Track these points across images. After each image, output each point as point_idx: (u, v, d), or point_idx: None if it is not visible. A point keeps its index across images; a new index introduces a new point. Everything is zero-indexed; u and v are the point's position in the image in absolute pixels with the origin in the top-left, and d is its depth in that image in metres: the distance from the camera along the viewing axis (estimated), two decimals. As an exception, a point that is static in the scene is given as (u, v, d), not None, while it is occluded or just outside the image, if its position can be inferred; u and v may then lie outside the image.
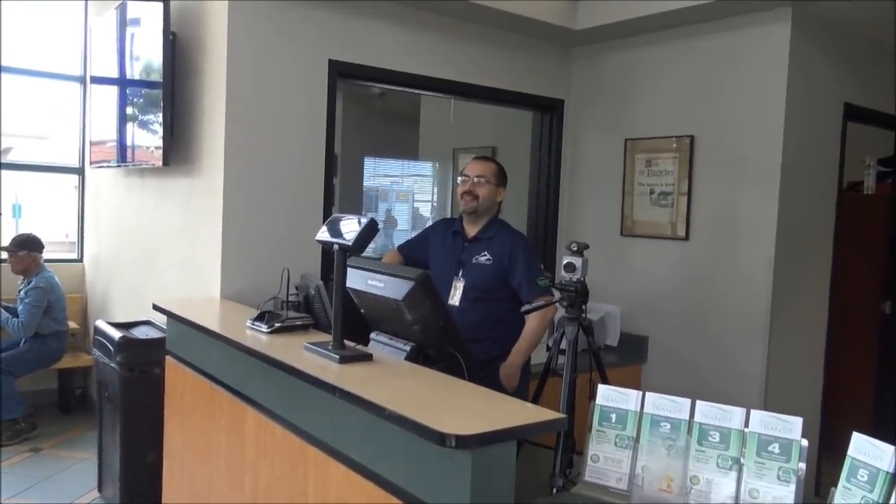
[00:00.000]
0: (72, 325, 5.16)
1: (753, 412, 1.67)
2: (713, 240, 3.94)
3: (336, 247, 2.14)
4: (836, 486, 1.47)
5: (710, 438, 1.70)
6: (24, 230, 5.36)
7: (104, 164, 4.60)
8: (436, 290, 2.21)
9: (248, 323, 2.62)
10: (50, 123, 5.65)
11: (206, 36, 3.56)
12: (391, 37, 3.86)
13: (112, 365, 3.51)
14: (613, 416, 1.82)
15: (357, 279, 2.30)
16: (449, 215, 6.33)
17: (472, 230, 3.02)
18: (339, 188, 3.91)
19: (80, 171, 5.53)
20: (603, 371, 2.24)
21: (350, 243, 2.09)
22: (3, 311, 4.74)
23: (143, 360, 3.46)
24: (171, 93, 3.64)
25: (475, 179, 2.97)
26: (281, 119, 3.52)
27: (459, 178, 3.04)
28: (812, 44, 3.77)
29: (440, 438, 1.52)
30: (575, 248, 2.24)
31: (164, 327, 3.44)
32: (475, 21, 4.13)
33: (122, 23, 4.15)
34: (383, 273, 2.24)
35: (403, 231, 8.17)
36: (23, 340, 4.77)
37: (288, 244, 3.53)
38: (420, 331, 2.19)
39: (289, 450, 2.22)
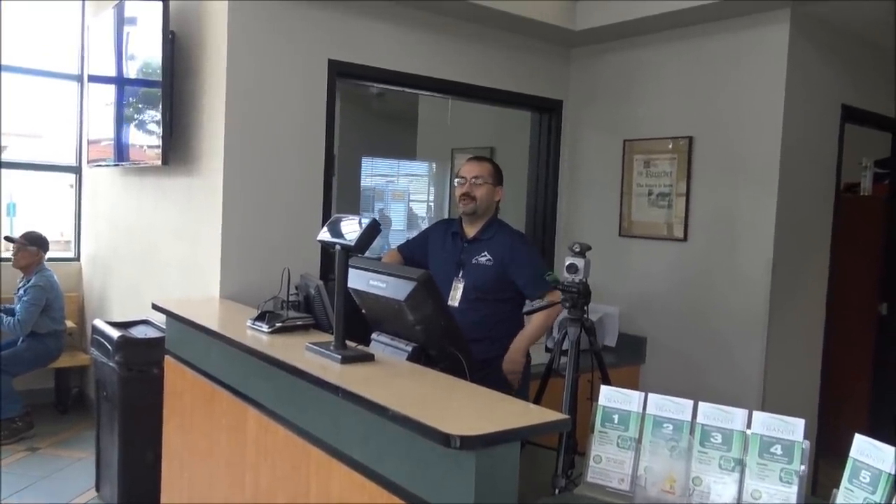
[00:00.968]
0: (69, 324, 5.15)
1: (755, 414, 1.68)
2: (711, 240, 3.95)
3: (338, 247, 2.14)
4: (837, 487, 1.48)
5: (712, 440, 1.71)
6: (18, 229, 5.35)
7: (102, 163, 4.60)
8: (438, 291, 2.21)
9: (249, 323, 2.62)
10: (44, 122, 5.63)
11: (206, 35, 3.55)
12: (390, 37, 3.87)
13: (110, 364, 3.50)
14: (616, 417, 1.83)
15: (358, 279, 2.30)
16: (446, 215, 6.33)
17: (471, 231, 3.03)
18: (337, 188, 3.89)
19: (77, 170, 5.52)
20: (605, 372, 2.25)
21: (352, 243, 2.09)
22: None
23: (141, 359, 3.46)
24: (171, 92, 3.64)
25: (472, 181, 2.97)
26: (280, 119, 3.52)
27: (456, 181, 3.04)
28: (810, 45, 3.78)
29: (445, 439, 1.52)
30: (577, 250, 2.25)
31: (163, 327, 3.44)
32: (474, 21, 4.13)
33: (121, 21, 4.15)
34: (385, 273, 2.24)
35: (399, 231, 8.17)
36: (20, 339, 4.76)
37: (287, 244, 3.53)
38: (422, 331, 2.19)
39: (290, 450, 2.22)
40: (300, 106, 3.58)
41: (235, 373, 2.59)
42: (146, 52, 3.81)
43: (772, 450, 1.64)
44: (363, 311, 2.43)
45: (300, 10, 3.54)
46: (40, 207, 5.85)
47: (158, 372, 3.29)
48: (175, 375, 3.08)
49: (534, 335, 2.82)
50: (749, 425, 1.68)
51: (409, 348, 2.25)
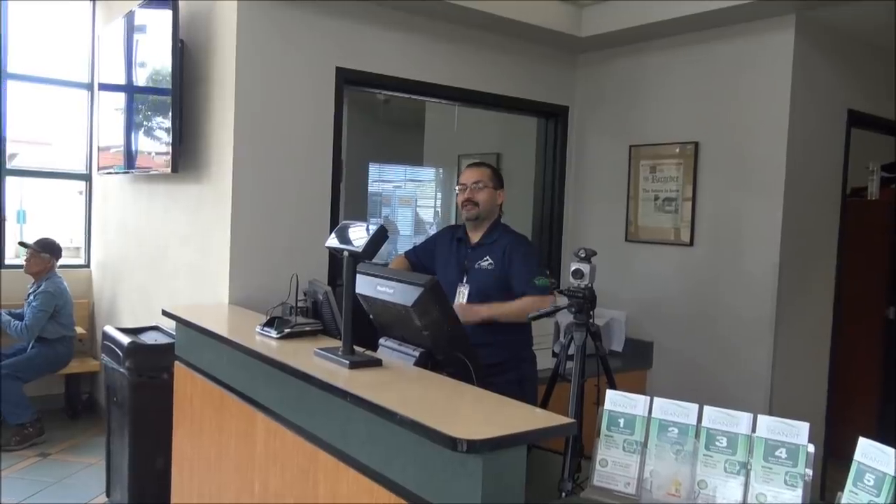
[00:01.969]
0: (79, 330, 5.19)
1: (760, 417, 1.69)
2: (717, 245, 3.96)
3: (346, 253, 2.17)
4: (842, 490, 1.49)
5: (717, 443, 1.72)
6: (28, 236, 5.40)
7: (112, 171, 4.64)
8: (444, 296, 2.23)
9: (258, 329, 2.65)
10: (53, 130, 5.68)
11: (215, 43, 3.59)
12: (397, 44, 3.90)
13: (121, 370, 3.53)
14: (622, 421, 1.84)
15: (366, 285, 2.32)
16: (453, 221, 6.34)
17: (475, 236, 3.05)
18: (344, 194, 3.92)
19: (87, 178, 5.57)
20: (611, 376, 2.26)
21: (360, 250, 2.12)
22: (3, 314, 4.77)
23: (151, 365, 3.49)
24: (180, 100, 3.67)
25: (472, 186, 2.99)
26: (289, 126, 3.56)
27: (457, 188, 3.06)
28: (816, 50, 3.79)
29: (452, 443, 1.54)
30: (583, 255, 2.26)
31: (173, 333, 3.46)
32: (481, 28, 4.16)
33: (131, 30, 4.19)
34: (393, 279, 2.26)
35: (406, 236, 8.19)
36: (30, 346, 4.80)
37: (295, 250, 3.56)
38: (429, 336, 2.21)
39: (299, 454, 2.24)
40: (308, 113, 3.61)
41: (244, 378, 2.61)
42: (156, 60, 3.86)
43: (777, 453, 1.65)
44: (371, 316, 2.45)
45: (308, 18, 3.57)
46: (50, 214, 5.90)
47: (168, 378, 3.32)
48: (185, 381, 3.11)
49: (505, 312, 2.82)
50: (754, 429, 1.69)
51: (417, 353, 2.26)
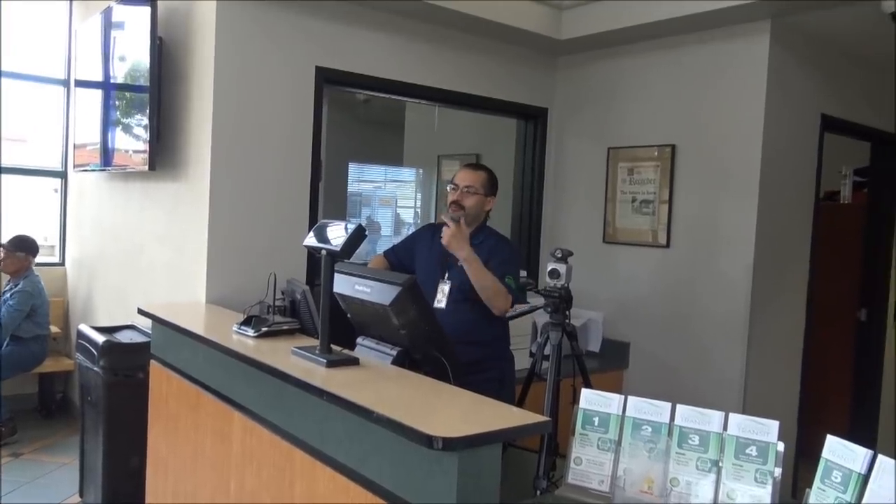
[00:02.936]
0: (53, 328, 5.14)
1: (732, 415, 1.72)
2: (693, 247, 4.00)
3: (324, 252, 2.17)
4: (810, 487, 1.52)
5: (689, 441, 1.74)
6: (2, 234, 5.32)
7: (88, 168, 4.60)
8: (423, 295, 2.24)
9: (235, 327, 2.64)
10: (28, 126, 5.61)
11: (194, 41, 3.57)
12: (378, 44, 3.90)
13: (95, 369, 3.50)
14: (596, 420, 1.86)
15: (344, 284, 2.32)
16: (433, 220, 6.36)
17: None
18: (324, 193, 3.91)
19: (62, 175, 5.51)
20: (586, 375, 2.28)
21: (338, 249, 2.12)
22: None
23: (127, 364, 3.46)
24: (158, 98, 3.65)
25: (463, 189, 2.98)
26: (268, 125, 3.55)
27: (449, 186, 3.05)
28: (790, 56, 3.85)
29: (427, 441, 1.55)
30: (559, 255, 2.28)
31: (148, 331, 3.44)
32: (461, 30, 4.17)
33: (108, 26, 4.16)
34: (370, 278, 2.26)
35: (386, 237, 8.18)
36: (4, 344, 4.73)
37: (274, 249, 3.55)
38: (406, 335, 2.22)
39: (275, 453, 2.24)
40: (287, 112, 3.61)
41: (221, 377, 2.60)
42: (134, 57, 3.83)
43: (747, 451, 1.67)
44: (348, 315, 2.46)
45: (288, 17, 3.57)
46: (24, 212, 5.82)
47: (144, 377, 3.30)
48: (160, 380, 3.09)
49: (483, 270, 2.77)
50: (726, 427, 1.72)
51: (394, 352, 2.27)
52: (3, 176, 5.42)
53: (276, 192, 3.60)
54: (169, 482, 3.01)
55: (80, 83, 4.77)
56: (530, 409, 1.97)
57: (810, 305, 4.19)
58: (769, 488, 1.64)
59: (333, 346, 2.23)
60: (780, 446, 1.65)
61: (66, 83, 5.41)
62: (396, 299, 2.15)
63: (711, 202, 3.93)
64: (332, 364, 2.13)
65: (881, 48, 3.94)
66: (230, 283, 3.45)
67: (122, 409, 3.44)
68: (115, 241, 4.59)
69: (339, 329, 2.32)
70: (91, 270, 5.02)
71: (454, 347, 2.30)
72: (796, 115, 3.97)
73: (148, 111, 3.63)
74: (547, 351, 2.27)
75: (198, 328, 2.86)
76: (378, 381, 2.10)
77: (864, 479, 1.42)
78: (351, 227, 2.16)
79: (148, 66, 3.61)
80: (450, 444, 1.54)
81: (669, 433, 1.77)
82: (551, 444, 2.03)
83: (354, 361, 2.19)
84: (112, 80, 4.18)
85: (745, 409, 3.73)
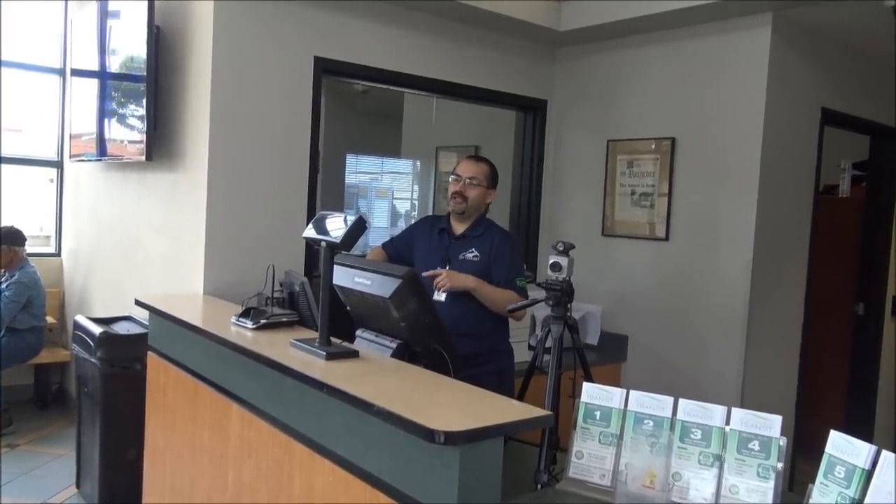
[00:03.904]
0: (49, 319, 5.11)
1: (734, 410, 1.71)
2: (692, 240, 3.99)
3: (323, 244, 2.15)
4: (813, 482, 1.52)
5: (691, 436, 1.74)
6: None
7: (84, 158, 4.56)
8: (423, 288, 2.23)
9: (233, 319, 2.62)
10: (23, 116, 5.56)
11: (191, 31, 3.54)
12: (377, 34, 3.87)
13: (92, 360, 3.48)
14: (598, 414, 1.85)
15: (344, 276, 2.30)
16: (430, 212, 6.34)
17: (459, 228, 3.04)
18: (321, 185, 3.89)
19: (58, 165, 5.48)
20: (587, 369, 2.27)
21: (338, 241, 2.10)
22: None
23: (124, 355, 3.45)
24: (155, 87, 3.62)
25: (466, 181, 2.97)
26: (266, 115, 3.52)
27: (451, 177, 3.03)
28: (791, 49, 3.84)
29: (429, 434, 1.53)
30: (561, 248, 2.27)
31: (146, 323, 3.42)
32: (460, 20, 4.15)
33: (105, 16, 4.12)
34: (370, 271, 2.25)
35: (383, 228, 8.16)
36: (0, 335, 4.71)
37: (271, 240, 3.53)
38: (406, 328, 2.21)
39: (274, 446, 2.22)
40: (285, 102, 3.58)
41: (219, 369, 2.59)
42: (130, 46, 3.79)
43: (749, 446, 1.67)
44: (348, 307, 2.44)
45: (286, 6, 3.54)
46: (19, 202, 5.79)
47: (141, 368, 3.29)
48: (158, 372, 3.07)
49: (488, 289, 2.84)
50: (728, 422, 1.71)
51: (394, 345, 2.26)
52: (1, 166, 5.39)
53: (274, 182, 3.58)
54: (166, 474, 3.00)
55: (75, 72, 4.73)
56: (531, 403, 1.96)
57: (808, 299, 4.18)
58: (772, 483, 1.63)
59: (333, 339, 2.21)
60: (783, 441, 1.64)
61: (61, 72, 5.37)
62: (397, 292, 2.14)
63: (711, 195, 3.92)
64: (331, 357, 2.12)
65: (882, 43, 3.93)
66: (227, 274, 3.43)
67: (119, 400, 3.43)
68: (111, 231, 4.56)
69: (338, 321, 2.30)
70: (87, 261, 5.00)
71: (454, 340, 2.29)
72: (797, 109, 3.95)
73: (144, 101, 3.60)
74: (548, 344, 2.26)
75: (195, 320, 2.84)
76: (378, 374, 2.08)
77: (868, 474, 1.41)
78: (351, 218, 2.14)
79: (145, 55, 3.58)
80: (451, 438, 1.52)
81: (671, 427, 1.76)
82: (552, 437, 2.02)
83: (354, 354, 2.18)
84: (108, 70, 4.15)
85: (743, 403, 3.73)
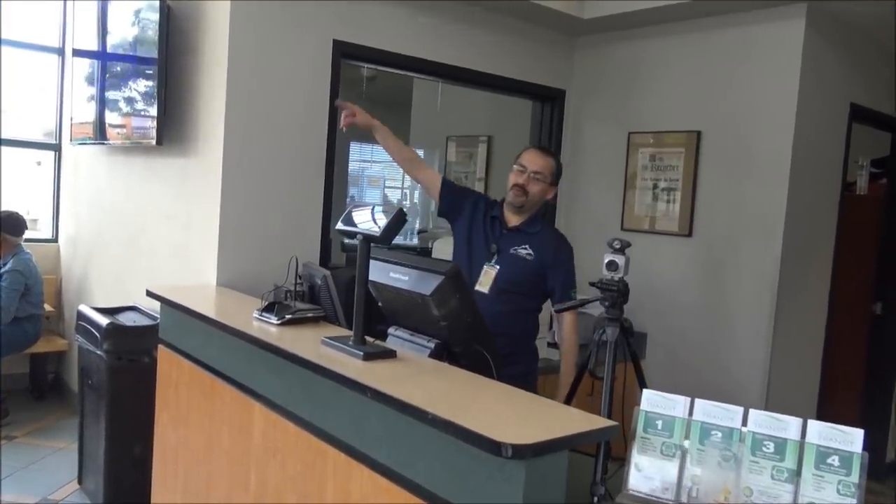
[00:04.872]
0: (47, 307, 4.95)
1: (811, 423, 1.60)
2: (717, 237, 3.89)
3: (359, 237, 2.03)
4: None
5: (763, 448, 1.63)
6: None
7: (87, 142, 4.39)
8: (466, 285, 2.10)
9: (256, 313, 2.49)
10: (16, 96, 5.36)
11: (205, 10, 3.39)
12: (395, 18, 3.74)
13: (98, 352, 3.34)
14: (659, 423, 1.74)
15: (378, 271, 2.18)
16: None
17: (514, 220, 2.86)
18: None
19: (56, 148, 5.30)
20: (641, 373, 2.16)
21: (377, 234, 1.98)
22: None
23: (131, 348, 3.31)
24: (166, 69, 3.46)
25: (531, 174, 2.80)
26: (283, 100, 3.38)
27: (515, 166, 2.84)
28: (825, 42, 3.73)
29: (495, 447, 1.42)
30: (618, 246, 2.15)
31: (152, 314, 3.29)
32: (481, 6, 4.01)
33: (110, -7, 3.95)
34: (408, 266, 2.13)
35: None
36: (-1, 324, 4.55)
37: (287, 230, 3.40)
38: (447, 327, 2.08)
39: (303, 448, 2.10)
40: (303, 87, 3.44)
41: (240, 365, 2.46)
42: (138, 26, 3.63)
43: (829, 461, 1.56)
44: (379, 304, 2.32)
45: (305, -13, 3.39)
46: (5, 185, 5.60)
47: (149, 361, 3.16)
48: (169, 365, 2.94)
49: (565, 378, 2.72)
50: (803, 435, 1.60)
51: (432, 345, 2.14)
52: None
53: (291, 170, 3.43)
54: (179, 473, 2.87)
55: (77, 52, 4.55)
56: (576, 406, 1.85)
57: (832, 297, 4.10)
58: (855, 501, 1.53)
59: (367, 338, 2.09)
60: (865, 457, 1.54)
61: (60, 51, 5.18)
62: (438, 289, 2.01)
63: (737, 191, 3.81)
64: (368, 357, 2.00)
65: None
66: (242, 264, 3.29)
67: (126, 394, 3.30)
68: (114, 218, 4.40)
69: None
70: (87, 248, 4.83)
71: (495, 340, 2.18)
72: (828, 103, 3.85)
73: (156, 83, 3.45)
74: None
75: (213, 312, 2.71)
76: (420, 376, 1.96)
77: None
78: (389, 211, 2.02)
79: (155, 35, 3.42)
80: (519, 452, 1.41)
81: (742, 440, 1.65)
82: (607, 447, 1.91)
83: (392, 354, 2.06)
84: (114, 50, 3.98)
85: (767, 404, 3.64)
